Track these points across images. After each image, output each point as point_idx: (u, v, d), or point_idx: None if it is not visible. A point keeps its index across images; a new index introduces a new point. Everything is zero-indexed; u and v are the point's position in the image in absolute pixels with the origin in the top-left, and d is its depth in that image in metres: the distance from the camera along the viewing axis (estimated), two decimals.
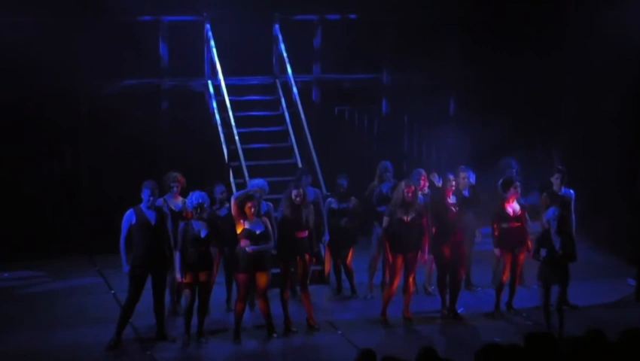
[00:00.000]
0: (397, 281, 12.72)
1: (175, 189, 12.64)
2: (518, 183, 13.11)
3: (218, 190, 12.91)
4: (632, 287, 13.97)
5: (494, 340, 9.22)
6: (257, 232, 11.87)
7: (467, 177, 13.67)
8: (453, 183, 13.04)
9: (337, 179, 13.94)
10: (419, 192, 13.16)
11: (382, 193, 13.75)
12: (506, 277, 13.07)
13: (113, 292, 14.03)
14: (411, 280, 12.77)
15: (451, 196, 12.97)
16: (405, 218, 12.54)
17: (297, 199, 12.29)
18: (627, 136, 15.51)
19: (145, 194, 11.80)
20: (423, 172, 13.70)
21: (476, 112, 16.67)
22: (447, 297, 13.10)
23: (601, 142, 16.35)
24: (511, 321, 12.93)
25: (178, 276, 11.82)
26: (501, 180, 13.41)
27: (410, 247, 12.61)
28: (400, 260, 12.62)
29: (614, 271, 14.95)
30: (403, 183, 12.67)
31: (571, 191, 13.53)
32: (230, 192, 13.65)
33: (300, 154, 15.60)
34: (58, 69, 15.28)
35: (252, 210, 11.84)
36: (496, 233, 13.06)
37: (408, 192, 12.48)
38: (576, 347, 7.61)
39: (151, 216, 11.83)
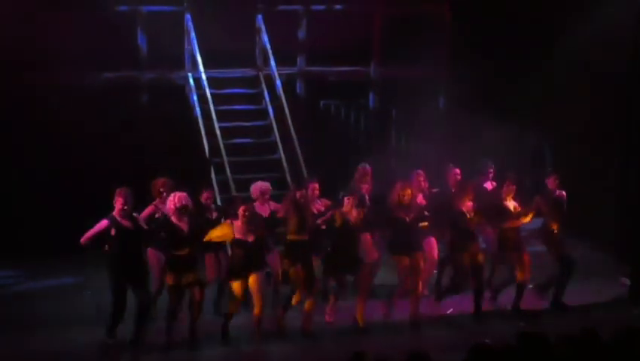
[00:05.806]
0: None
1: (164, 193, 12.52)
2: (511, 180, 12.94)
3: (205, 196, 12.86)
4: (626, 286, 13.93)
5: (485, 341, 8.94)
6: (249, 241, 11.80)
7: (457, 175, 13.63)
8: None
9: None
10: (420, 194, 13.11)
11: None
12: (521, 276, 12.84)
13: (89, 292, 13.90)
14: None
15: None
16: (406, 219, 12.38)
17: (302, 200, 12.13)
18: (625, 136, 15.47)
19: (119, 203, 11.67)
20: (421, 173, 13.49)
21: (467, 108, 16.39)
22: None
23: (600, 141, 16.19)
24: (503, 321, 12.71)
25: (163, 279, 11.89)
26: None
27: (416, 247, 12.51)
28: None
29: (609, 270, 14.90)
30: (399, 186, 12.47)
31: (563, 192, 13.38)
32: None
33: (283, 149, 15.52)
34: (34, 62, 15.12)
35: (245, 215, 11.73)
36: (495, 233, 12.91)
37: (404, 195, 12.34)
38: (569, 347, 7.50)
39: (127, 224, 11.73)
